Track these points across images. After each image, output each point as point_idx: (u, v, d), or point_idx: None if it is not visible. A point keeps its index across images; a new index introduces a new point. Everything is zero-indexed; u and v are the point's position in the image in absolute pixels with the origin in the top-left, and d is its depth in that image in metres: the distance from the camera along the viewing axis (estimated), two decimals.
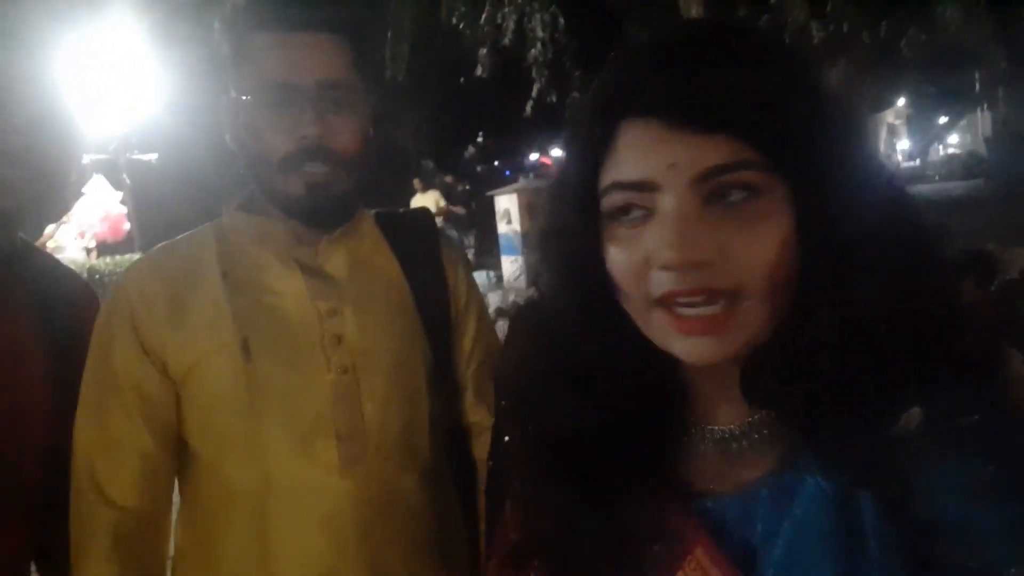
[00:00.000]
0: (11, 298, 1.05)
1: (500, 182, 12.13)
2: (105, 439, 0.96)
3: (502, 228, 9.26)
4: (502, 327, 0.99)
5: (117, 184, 7.19)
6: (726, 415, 0.58)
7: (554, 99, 7.45)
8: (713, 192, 0.51)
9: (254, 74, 0.94)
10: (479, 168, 19.65)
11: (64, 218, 7.68)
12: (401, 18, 7.05)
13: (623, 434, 0.57)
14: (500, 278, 9.35)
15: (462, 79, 8.12)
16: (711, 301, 0.51)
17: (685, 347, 0.53)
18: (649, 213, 0.53)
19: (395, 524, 0.98)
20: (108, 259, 6.11)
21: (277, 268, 0.98)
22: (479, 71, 7.44)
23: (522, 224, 8.73)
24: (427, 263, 1.08)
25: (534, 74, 7.42)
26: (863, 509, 0.50)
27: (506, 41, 7.21)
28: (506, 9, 6.99)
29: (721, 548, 0.54)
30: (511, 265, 8.95)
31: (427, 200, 11.01)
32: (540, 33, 7.25)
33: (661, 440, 0.59)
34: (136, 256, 6.42)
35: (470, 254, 10.27)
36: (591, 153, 0.56)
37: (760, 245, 0.51)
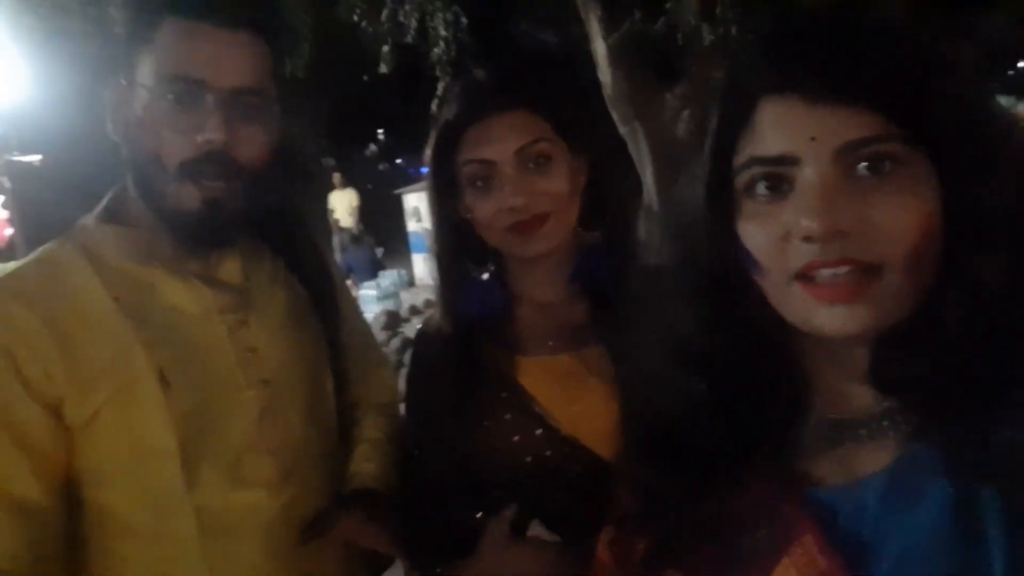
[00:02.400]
0: None
1: (404, 181, 12.05)
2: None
3: (412, 226, 9.25)
4: (416, 326, 1.11)
5: None
6: (847, 404, 0.57)
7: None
8: (854, 165, 0.51)
9: (161, 62, 0.83)
10: (380, 167, 19.40)
11: None
12: (302, 14, 6.90)
13: (740, 421, 0.57)
14: (411, 277, 9.31)
15: (364, 77, 8.03)
16: (851, 273, 0.51)
17: (825, 318, 0.52)
18: (788, 188, 0.53)
19: (325, 536, 0.96)
20: None
21: (173, 284, 0.89)
22: (382, 68, 7.39)
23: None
24: (311, 266, 1.06)
25: (438, 72, 7.43)
26: (988, 510, 0.48)
27: (408, 39, 7.20)
28: (407, 7, 6.97)
29: (830, 539, 0.53)
30: (423, 263, 8.95)
31: (344, 197, 10.81)
32: (443, 32, 7.28)
33: (777, 428, 0.58)
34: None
35: (379, 253, 10.17)
36: (728, 130, 0.56)
37: (902, 217, 0.50)
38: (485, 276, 1.03)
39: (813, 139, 0.51)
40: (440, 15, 7.21)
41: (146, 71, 0.83)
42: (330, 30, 7.02)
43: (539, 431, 0.95)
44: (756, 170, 0.54)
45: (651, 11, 5.30)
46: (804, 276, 0.52)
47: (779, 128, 0.53)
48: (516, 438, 0.95)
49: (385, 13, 6.82)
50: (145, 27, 0.84)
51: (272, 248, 1.03)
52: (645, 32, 5.29)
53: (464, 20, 7.43)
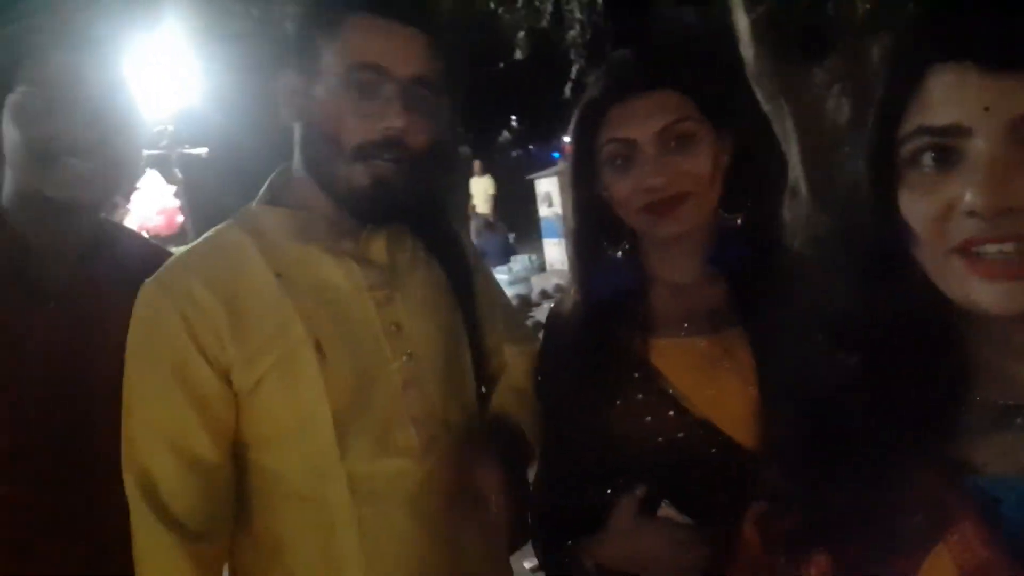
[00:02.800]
0: (102, 280, 1.08)
1: (537, 167, 12.14)
2: (163, 452, 0.89)
3: (543, 211, 9.31)
4: (547, 310, 1.13)
5: (170, 179, 7.43)
6: (1016, 388, 0.55)
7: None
8: None
9: (347, 54, 0.90)
10: (513, 153, 19.63)
11: (123, 212, 7.95)
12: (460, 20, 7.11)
13: (898, 403, 0.56)
14: (542, 262, 9.39)
15: (500, 64, 8.14)
16: (1018, 250, 0.49)
17: (986, 294, 0.50)
18: (957, 160, 0.51)
19: (469, 502, 0.98)
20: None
21: (328, 261, 0.96)
22: (517, 54, 7.45)
23: (564, 207, 8.76)
24: (448, 245, 1.12)
25: (572, 56, 7.40)
26: None
27: (543, 23, 7.22)
28: None
29: (990, 528, 0.51)
30: (554, 248, 8.99)
31: (482, 184, 11.12)
32: (578, 15, 7.24)
33: (937, 411, 0.56)
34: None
35: (511, 239, 10.32)
36: (895, 99, 0.55)
37: None
38: (620, 256, 1.03)
39: (987, 109, 0.49)
40: None
41: (330, 61, 0.91)
42: (467, 17, 7.15)
43: (672, 413, 0.95)
44: (923, 140, 0.52)
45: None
46: (965, 251, 0.51)
47: (950, 97, 0.51)
48: (648, 419, 0.95)
49: (521, 1, 6.86)
50: (329, 22, 0.92)
51: (412, 230, 1.08)
52: (791, 4, 4.99)
53: (600, 2, 7.35)
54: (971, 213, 0.50)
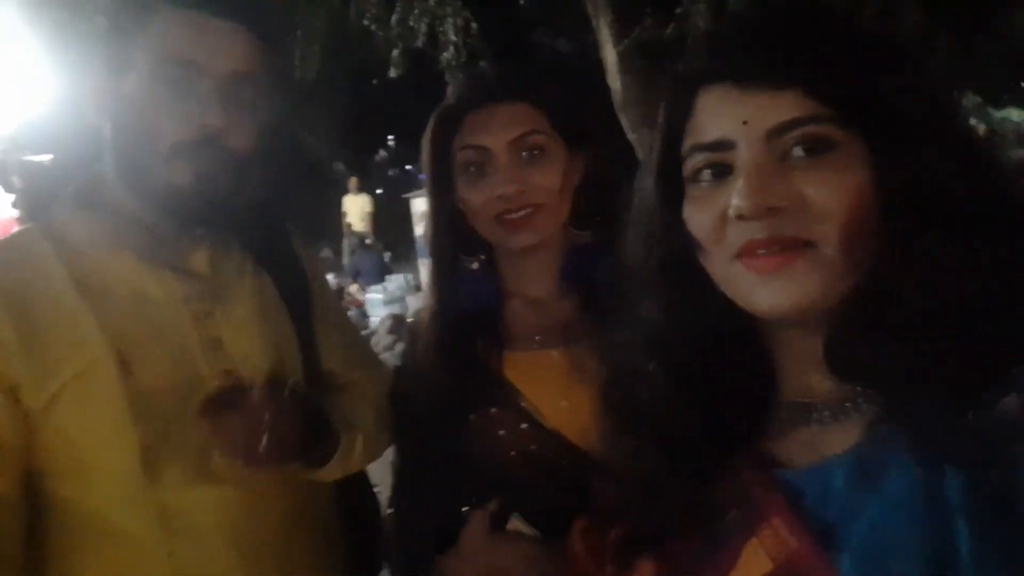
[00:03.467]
0: None
1: (414, 186, 12.10)
2: None
3: (419, 231, 9.25)
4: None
5: (7, 186, 6.78)
6: (810, 388, 0.58)
7: None
8: (787, 146, 0.54)
9: (158, 50, 0.86)
10: (390, 172, 19.48)
11: None
12: (312, 19, 6.94)
13: (708, 407, 0.59)
14: (418, 282, 9.32)
15: (374, 81, 8.08)
16: (785, 251, 0.53)
17: (763, 294, 0.54)
18: (728, 171, 0.55)
19: (296, 528, 0.94)
20: None
21: (140, 271, 0.88)
22: (391, 72, 7.41)
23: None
24: (285, 262, 1.05)
25: (447, 77, 7.45)
26: (950, 488, 0.48)
27: (418, 43, 7.22)
28: (416, 12, 7.00)
29: (798, 519, 0.54)
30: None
31: (358, 202, 10.90)
32: (453, 37, 7.30)
33: (744, 412, 0.59)
34: None
35: (387, 257, 10.19)
36: (672, 123, 0.59)
37: (833, 195, 0.52)
38: (475, 267, 1.03)
39: (745, 123, 0.54)
40: (450, 20, 7.24)
41: (140, 57, 0.86)
42: (341, 35, 7.05)
43: (525, 425, 0.95)
44: (698, 157, 0.57)
45: (662, 18, 5.28)
46: (744, 255, 0.55)
47: (715, 115, 0.56)
48: (502, 432, 0.95)
49: (395, 18, 6.83)
50: (140, 16, 0.87)
51: (243, 242, 1.00)
52: (655, 38, 5.26)
53: (474, 25, 7.45)
54: (739, 217, 0.53)
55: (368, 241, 10.66)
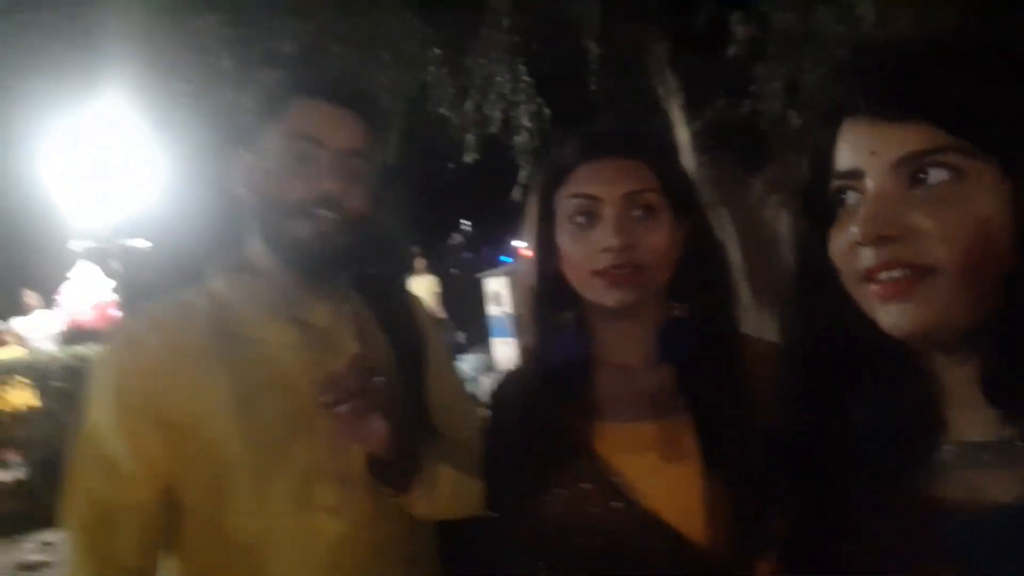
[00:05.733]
0: None
1: (486, 267, 12.27)
2: (103, 501, 0.99)
3: (492, 310, 9.32)
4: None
5: (108, 272, 7.23)
6: (976, 428, 0.58)
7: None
8: (912, 176, 0.56)
9: (290, 130, 1.05)
10: (465, 254, 19.89)
11: (53, 304, 7.61)
12: (392, 106, 7.29)
13: (873, 446, 0.60)
14: (491, 362, 9.32)
15: (450, 165, 8.35)
16: (905, 275, 0.55)
17: (886, 315, 0.57)
18: (862, 200, 0.59)
19: (388, 562, 1.06)
20: (96, 348, 6.01)
21: (268, 322, 1.06)
22: (466, 157, 7.64)
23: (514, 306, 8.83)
24: (401, 322, 1.19)
25: (520, 161, 7.64)
26: None
27: (492, 129, 7.45)
28: (492, 98, 7.25)
29: (960, 566, 0.53)
30: (503, 347, 8.95)
31: (424, 282, 11.11)
32: (526, 123, 7.51)
33: (909, 452, 0.59)
34: None
35: (460, 338, 10.27)
36: (818, 151, 0.63)
37: (956, 223, 0.54)
38: (568, 324, 1.01)
39: (873, 153, 0.57)
40: (523, 107, 7.47)
41: (278, 137, 1.06)
42: (418, 121, 7.35)
43: (617, 504, 0.88)
44: (836, 183, 0.61)
45: (735, 98, 5.31)
46: (868, 279, 0.57)
47: (850, 145, 0.60)
48: (592, 509, 0.88)
49: (469, 104, 7.09)
50: (277, 107, 1.08)
51: (368, 300, 1.17)
52: (729, 119, 5.27)
53: (547, 111, 7.67)
54: (859, 242, 0.57)
55: (440, 321, 10.79)
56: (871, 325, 0.59)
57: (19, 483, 5.52)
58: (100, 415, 1.01)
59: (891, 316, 0.56)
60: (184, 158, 6.39)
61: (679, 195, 0.97)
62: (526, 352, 1.03)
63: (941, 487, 0.58)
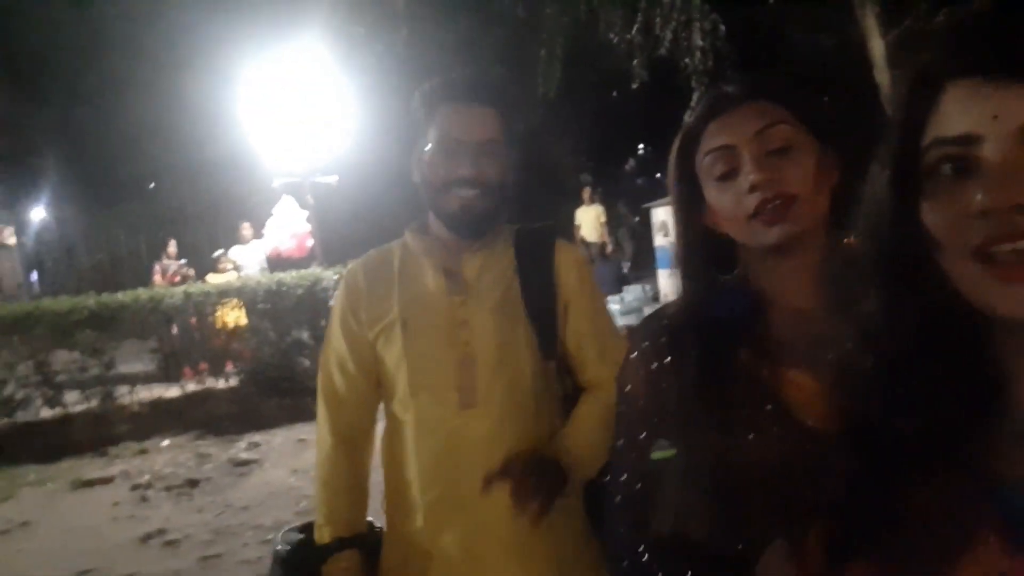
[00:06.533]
0: None
1: (659, 195, 11.96)
2: (336, 374, 1.43)
3: (659, 240, 9.12)
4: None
5: (303, 204, 7.95)
6: None
7: None
8: None
9: (438, 130, 1.35)
10: (638, 180, 19.47)
11: (253, 235, 8.49)
12: (554, 37, 7.18)
13: (930, 409, 0.58)
14: (656, 292, 9.20)
15: (614, 92, 8.13)
16: None
17: (1005, 298, 0.53)
18: (972, 167, 0.54)
19: (499, 453, 1.31)
20: (293, 273, 6.70)
21: (430, 271, 1.39)
22: (634, 83, 7.40)
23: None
24: (540, 268, 1.43)
25: (694, 82, 7.28)
26: None
27: (662, 51, 7.13)
28: (660, 18, 6.91)
29: (1016, 539, 0.52)
30: (668, 279, 8.79)
31: (591, 212, 11.08)
32: (699, 42, 7.12)
33: (969, 422, 0.58)
34: (318, 270, 7.04)
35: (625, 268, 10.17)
36: (913, 116, 0.58)
37: None
38: (732, 281, 1.00)
39: (996, 117, 0.53)
40: (696, 24, 7.06)
41: (432, 137, 1.36)
42: (582, 49, 7.20)
43: (811, 447, 0.87)
44: (939, 151, 0.56)
45: (934, 5, 4.68)
46: (983, 254, 0.53)
47: (962, 109, 0.55)
48: (784, 456, 0.88)
49: (637, 26, 6.82)
50: (432, 111, 1.36)
51: (517, 254, 1.43)
52: (927, 28, 4.67)
53: (723, 28, 7.20)
54: (984, 213, 0.52)
55: (609, 250, 10.75)
56: (958, 305, 0.56)
57: (232, 390, 6.40)
58: (332, 318, 1.45)
59: (1011, 298, 0.52)
60: (365, 100, 6.74)
61: (820, 123, 0.95)
62: (689, 309, 1.02)
63: (1006, 463, 0.55)
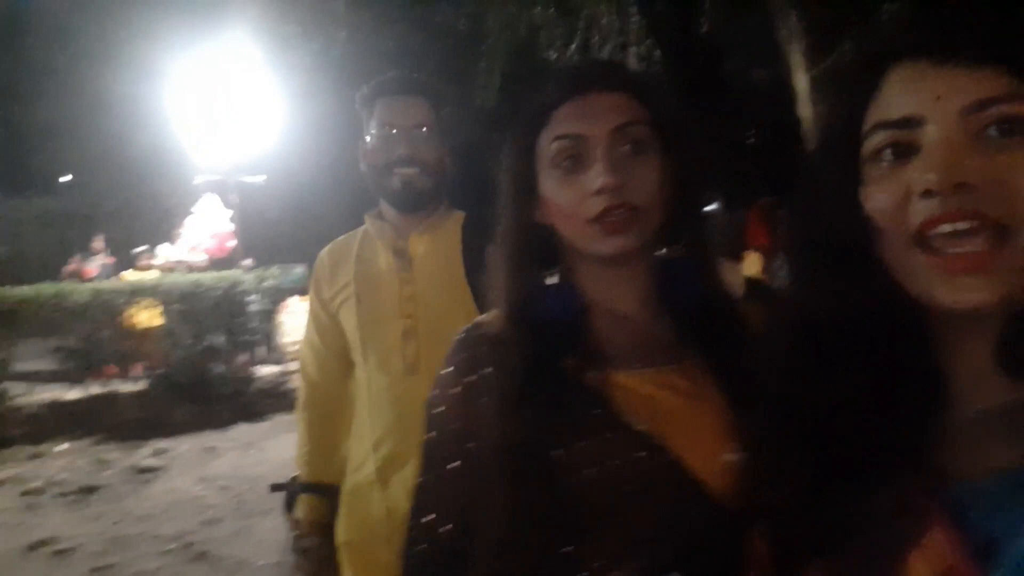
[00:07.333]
0: None
1: None
2: (306, 346, 1.65)
3: None
4: None
5: (227, 203, 7.69)
6: (984, 394, 0.55)
7: None
8: (980, 126, 0.51)
9: (377, 120, 1.53)
10: None
11: (175, 234, 8.18)
12: (494, 52, 7.22)
13: (874, 410, 0.57)
14: None
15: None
16: (975, 233, 0.50)
17: (947, 289, 0.52)
18: (914, 152, 0.53)
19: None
20: (212, 274, 6.47)
21: (382, 251, 1.55)
22: None
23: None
24: (483, 250, 1.46)
25: None
26: None
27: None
28: (597, 38, 7.03)
29: (961, 534, 0.51)
30: None
31: None
32: (634, 66, 7.27)
33: (914, 419, 0.57)
34: (238, 272, 6.81)
35: None
36: (856, 101, 0.58)
37: None
38: (555, 282, 0.92)
39: (939, 98, 0.52)
40: (633, 48, 7.21)
41: (373, 127, 1.53)
42: (522, 64, 7.27)
43: (643, 454, 0.82)
44: (881, 135, 0.55)
45: (860, 43, 4.90)
46: (925, 242, 0.52)
47: (905, 91, 0.54)
48: (616, 461, 0.82)
49: (575, 45, 6.92)
50: (371, 105, 1.53)
51: (463, 235, 1.55)
52: (850, 64, 4.88)
53: (657, 53, 7.37)
54: (926, 192, 0.51)
55: None
56: (893, 292, 0.55)
57: (140, 394, 6.08)
58: (310, 300, 1.64)
59: (956, 289, 0.51)
60: (295, 98, 6.61)
61: (669, 129, 0.88)
62: (509, 312, 0.93)
63: (950, 457, 0.54)
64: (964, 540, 0.51)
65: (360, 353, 1.52)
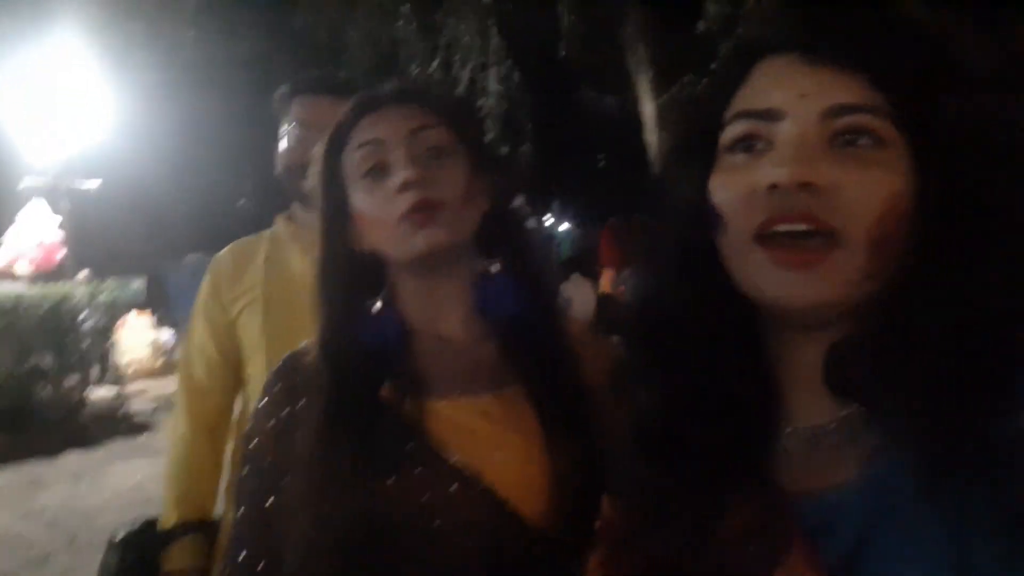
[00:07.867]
0: None
1: None
2: (195, 351, 1.51)
3: None
4: None
5: (56, 208, 7.03)
6: (816, 411, 0.56)
7: (506, 150, 7.59)
8: (837, 130, 0.52)
9: (292, 120, 1.49)
10: None
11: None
12: (355, 64, 7.15)
13: (718, 431, 0.56)
14: None
15: None
16: (810, 236, 0.51)
17: (775, 283, 0.52)
18: (768, 147, 0.54)
19: None
20: (37, 288, 5.89)
21: (296, 255, 1.47)
22: None
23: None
24: None
25: (487, 125, 7.55)
26: (969, 508, 0.46)
27: (460, 91, 7.34)
28: (457, 58, 7.15)
29: (816, 550, 0.51)
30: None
31: None
32: (495, 86, 7.43)
33: (753, 433, 0.57)
34: (68, 285, 6.24)
35: None
36: (721, 90, 0.58)
37: (870, 190, 0.50)
38: (376, 308, 0.93)
39: (803, 96, 0.53)
40: (494, 68, 7.37)
41: (287, 127, 1.49)
42: (383, 81, 7.24)
43: (455, 487, 0.82)
44: (742, 124, 0.55)
45: (702, 74, 5.31)
46: (764, 239, 0.52)
47: (772, 84, 0.55)
48: (426, 497, 0.81)
49: (437, 62, 6.99)
50: (286, 107, 1.50)
51: None
52: (692, 95, 5.28)
53: (517, 75, 7.57)
54: (772, 187, 0.51)
55: None
56: (733, 296, 0.55)
57: None
58: (195, 310, 1.52)
59: (786, 283, 0.51)
60: (138, 98, 6.20)
61: (472, 140, 0.93)
62: (325, 339, 0.90)
63: (785, 474, 0.55)
64: (818, 557, 0.51)
65: (264, 361, 1.40)
